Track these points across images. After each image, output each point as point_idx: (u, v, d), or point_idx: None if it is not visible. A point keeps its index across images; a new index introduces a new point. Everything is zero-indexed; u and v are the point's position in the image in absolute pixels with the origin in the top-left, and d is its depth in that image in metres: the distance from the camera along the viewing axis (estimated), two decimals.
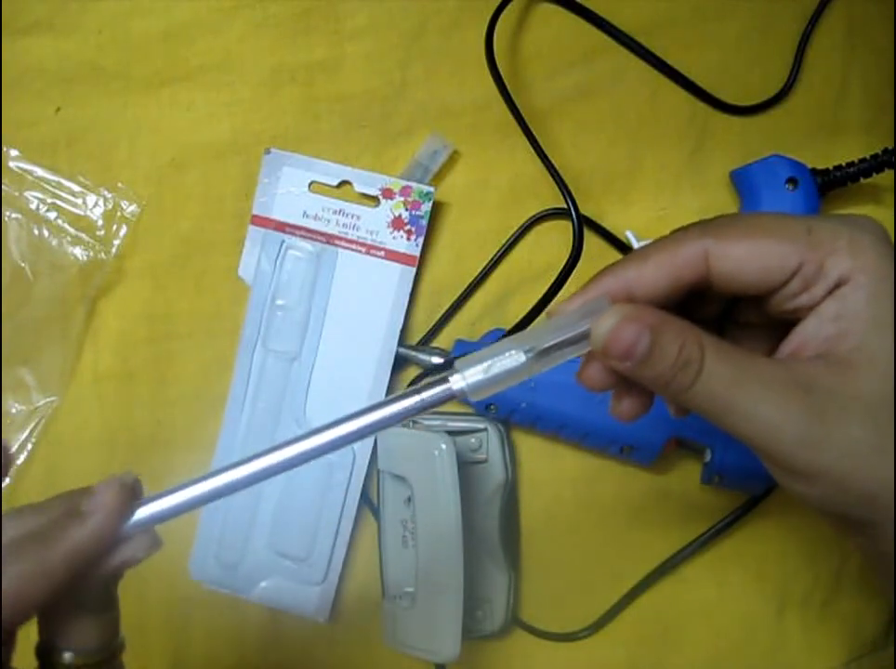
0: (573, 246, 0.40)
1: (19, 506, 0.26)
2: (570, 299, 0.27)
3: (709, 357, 0.25)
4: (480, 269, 0.46)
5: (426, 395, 0.26)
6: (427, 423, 0.44)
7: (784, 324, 0.27)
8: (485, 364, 0.25)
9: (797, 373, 0.25)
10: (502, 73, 0.44)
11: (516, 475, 0.45)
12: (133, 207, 0.46)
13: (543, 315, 0.27)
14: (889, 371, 0.24)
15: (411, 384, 0.45)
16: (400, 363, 0.45)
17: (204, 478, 0.27)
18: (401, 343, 0.45)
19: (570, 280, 0.40)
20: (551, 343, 0.25)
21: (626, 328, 0.25)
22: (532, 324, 0.40)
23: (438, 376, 0.26)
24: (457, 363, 0.26)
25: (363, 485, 0.45)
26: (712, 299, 0.30)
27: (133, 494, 0.27)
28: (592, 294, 0.26)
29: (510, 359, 0.25)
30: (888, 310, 0.25)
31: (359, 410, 0.26)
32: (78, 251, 0.46)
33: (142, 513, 0.26)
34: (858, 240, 0.25)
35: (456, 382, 0.25)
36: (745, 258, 0.25)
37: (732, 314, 0.30)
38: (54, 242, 0.46)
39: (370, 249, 0.45)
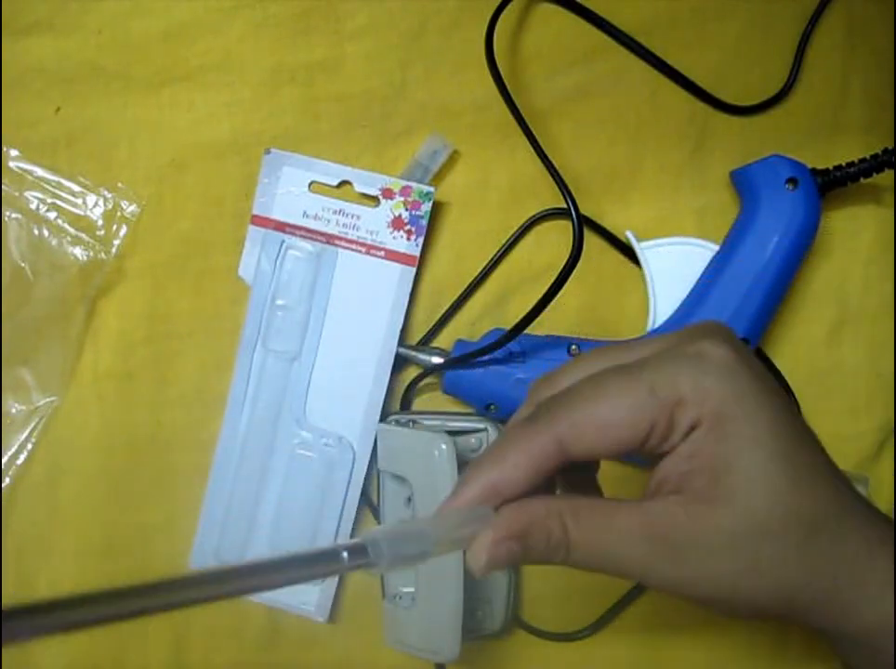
0: (573, 246, 0.40)
1: None
2: (448, 503, 0.27)
3: (572, 535, 0.26)
4: (480, 269, 0.46)
5: (346, 564, 0.24)
6: (427, 423, 0.44)
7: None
8: (401, 552, 0.25)
9: (654, 517, 0.26)
10: (502, 73, 0.44)
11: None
12: (133, 207, 0.46)
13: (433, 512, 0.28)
14: (747, 503, 0.25)
15: (411, 384, 0.45)
16: (400, 363, 0.45)
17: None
18: (401, 343, 0.45)
19: (570, 280, 0.40)
20: (444, 547, 0.26)
21: (500, 550, 0.26)
22: (530, 324, 0.40)
23: (352, 543, 0.24)
24: (371, 533, 0.25)
25: (363, 485, 0.45)
26: None
27: None
28: (467, 499, 0.27)
29: (420, 552, 0.25)
30: (737, 448, 0.25)
31: (266, 560, 0.23)
32: (78, 251, 0.46)
33: None
34: (701, 384, 0.26)
35: (374, 552, 0.24)
36: (599, 439, 0.26)
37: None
38: (54, 242, 0.46)
39: (370, 249, 0.45)
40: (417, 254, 0.44)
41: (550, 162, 0.43)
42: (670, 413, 0.26)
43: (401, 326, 0.44)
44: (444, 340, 0.46)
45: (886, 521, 0.28)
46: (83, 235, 0.46)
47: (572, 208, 0.41)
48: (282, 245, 0.45)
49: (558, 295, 0.40)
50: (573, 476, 0.30)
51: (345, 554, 0.23)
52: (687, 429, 0.26)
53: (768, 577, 0.26)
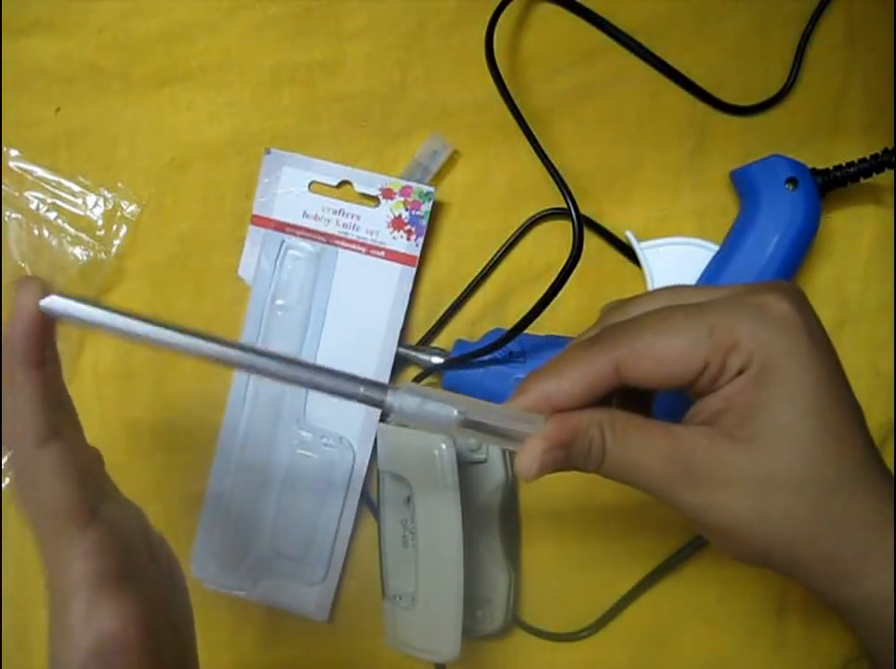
0: (573, 246, 0.40)
1: None
2: (510, 403, 0.29)
3: (609, 447, 0.28)
4: (480, 269, 0.46)
5: (362, 390, 0.27)
6: None
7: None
8: (423, 400, 0.27)
9: (680, 441, 0.27)
10: (502, 73, 0.44)
11: (516, 475, 0.45)
12: (133, 207, 0.46)
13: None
14: (770, 450, 0.26)
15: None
16: (400, 363, 0.45)
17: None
18: (401, 343, 0.45)
19: (570, 280, 0.40)
20: (483, 420, 0.28)
21: (548, 458, 0.28)
22: (530, 324, 0.41)
23: (381, 383, 0.27)
24: (405, 385, 0.27)
25: (363, 485, 0.45)
26: None
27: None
28: (523, 404, 0.28)
29: (445, 409, 0.27)
30: (775, 398, 0.26)
31: (304, 362, 0.27)
32: (78, 251, 0.46)
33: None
34: (758, 335, 0.27)
35: (393, 398, 0.27)
36: (654, 369, 0.27)
37: None
38: (54, 242, 0.46)
39: (370, 249, 0.45)
40: (417, 254, 0.44)
41: (550, 162, 0.43)
42: (724, 356, 0.27)
43: (401, 326, 0.44)
44: (444, 340, 0.46)
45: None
46: (83, 235, 0.46)
47: (572, 208, 0.41)
48: (282, 245, 0.45)
49: (558, 295, 0.40)
50: (630, 400, 0.31)
51: (362, 388, 0.27)
52: (735, 374, 0.27)
53: (773, 526, 0.27)
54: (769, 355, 0.26)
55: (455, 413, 0.27)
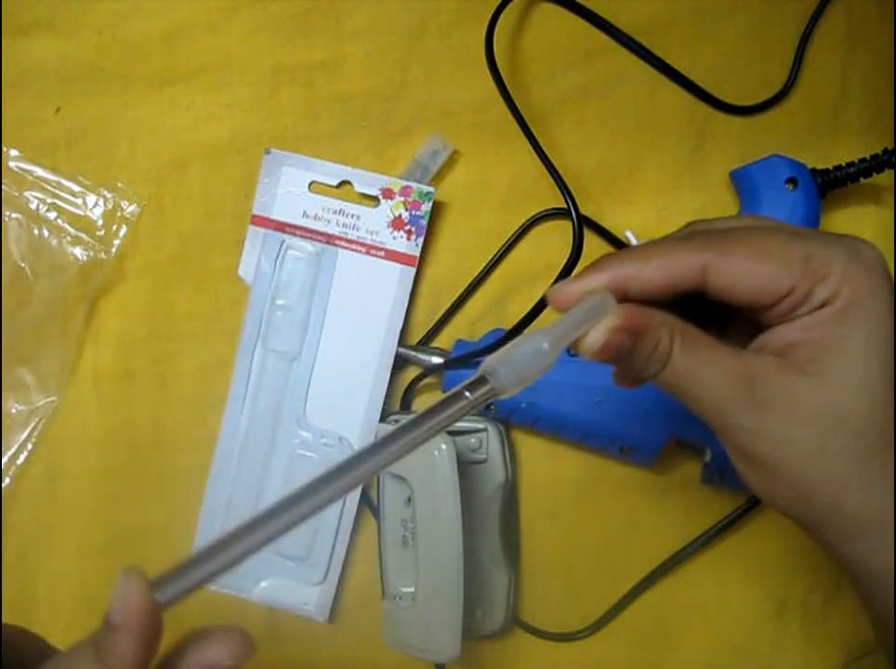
0: (572, 246, 0.40)
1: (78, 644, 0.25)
2: (571, 283, 0.28)
3: (675, 351, 0.27)
4: (480, 269, 0.46)
5: (471, 396, 0.25)
6: None
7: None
8: (514, 360, 0.26)
9: (750, 368, 0.27)
10: (502, 73, 0.44)
11: (516, 475, 0.45)
12: (133, 207, 0.46)
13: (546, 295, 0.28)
14: (838, 386, 0.26)
15: (410, 384, 0.45)
16: (400, 363, 0.45)
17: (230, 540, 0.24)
18: (401, 343, 0.45)
19: None
20: (566, 336, 0.27)
21: (616, 338, 0.27)
22: (530, 324, 0.40)
23: (472, 379, 0.26)
24: (488, 362, 0.26)
25: (363, 485, 0.45)
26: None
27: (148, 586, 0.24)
28: (593, 282, 0.27)
29: (537, 352, 0.26)
30: (852, 335, 0.26)
31: (400, 427, 0.25)
32: (78, 251, 0.46)
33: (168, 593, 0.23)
34: (850, 270, 0.26)
35: (494, 380, 0.26)
36: (742, 278, 0.27)
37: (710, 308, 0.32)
38: (54, 242, 0.46)
39: (370, 249, 0.45)
40: (417, 254, 0.44)
41: (550, 162, 0.43)
42: (812, 284, 0.26)
43: (401, 326, 0.44)
44: (444, 340, 0.46)
45: None
46: (83, 235, 0.46)
47: (572, 208, 0.41)
48: (282, 245, 0.45)
49: None
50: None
51: (467, 393, 0.25)
52: (818, 305, 0.26)
53: (828, 463, 0.26)
54: (857, 293, 0.26)
55: (545, 345, 0.26)
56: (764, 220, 0.30)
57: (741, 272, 0.27)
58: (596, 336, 0.27)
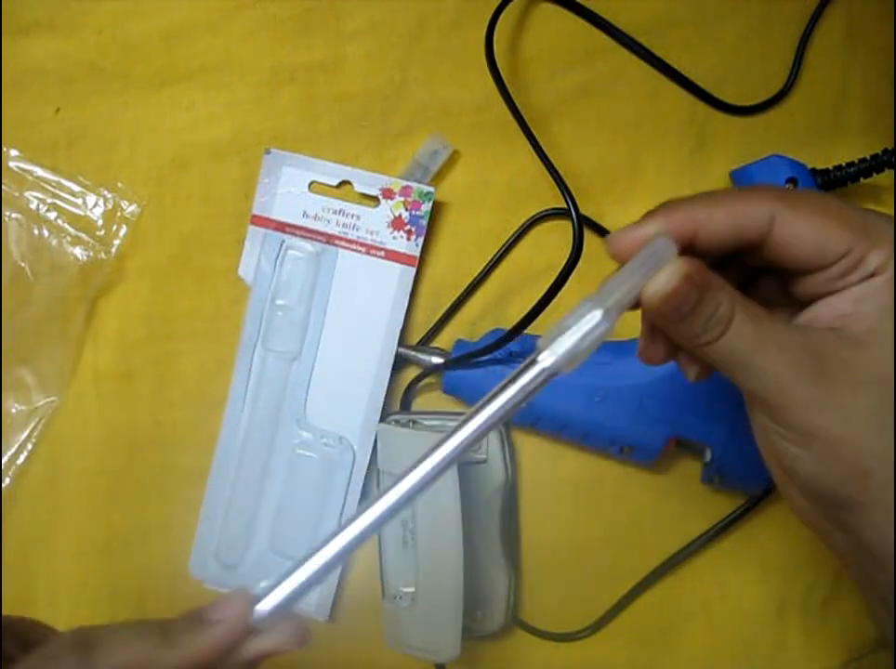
0: (572, 246, 0.40)
1: (144, 620, 0.26)
2: (634, 227, 0.27)
3: (737, 317, 0.26)
4: (480, 269, 0.46)
5: (524, 381, 0.25)
6: (427, 423, 0.44)
7: (804, 303, 0.29)
8: (570, 333, 0.25)
9: (812, 340, 0.27)
10: (502, 73, 0.44)
11: (516, 475, 0.45)
12: (133, 207, 0.46)
13: (606, 241, 0.27)
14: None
15: (410, 384, 0.45)
16: (400, 363, 0.45)
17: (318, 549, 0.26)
18: (401, 343, 0.45)
19: (570, 280, 0.40)
20: (624, 299, 0.26)
21: (683, 289, 0.26)
22: (530, 324, 0.40)
23: (528, 360, 0.25)
24: (541, 341, 0.25)
25: (363, 485, 0.45)
26: (739, 270, 0.31)
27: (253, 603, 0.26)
28: (658, 224, 0.27)
29: (587, 321, 0.25)
30: None
31: (463, 418, 0.25)
32: (78, 251, 0.46)
33: (264, 608, 0.26)
34: None
35: (546, 358, 0.25)
36: (807, 231, 0.27)
37: (751, 289, 0.31)
38: (54, 242, 0.46)
39: (370, 249, 0.45)
40: (417, 254, 0.44)
41: (550, 162, 0.43)
42: (868, 249, 0.26)
43: (401, 326, 0.44)
44: (444, 340, 0.46)
45: None
46: (83, 235, 0.46)
47: (572, 208, 0.41)
48: (282, 245, 0.45)
49: (558, 295, 0.40)
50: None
51: (523, 377, 0.25)
52: (870, 273, 0.26)
53: (889, 434, 0.26)
54: None
55: (599, 314, 0.25)
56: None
57: (806, 225, 0.27)
58: (663, 282, 0.26)
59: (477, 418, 0.25)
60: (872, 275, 0.27)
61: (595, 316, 0.25)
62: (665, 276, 0.26)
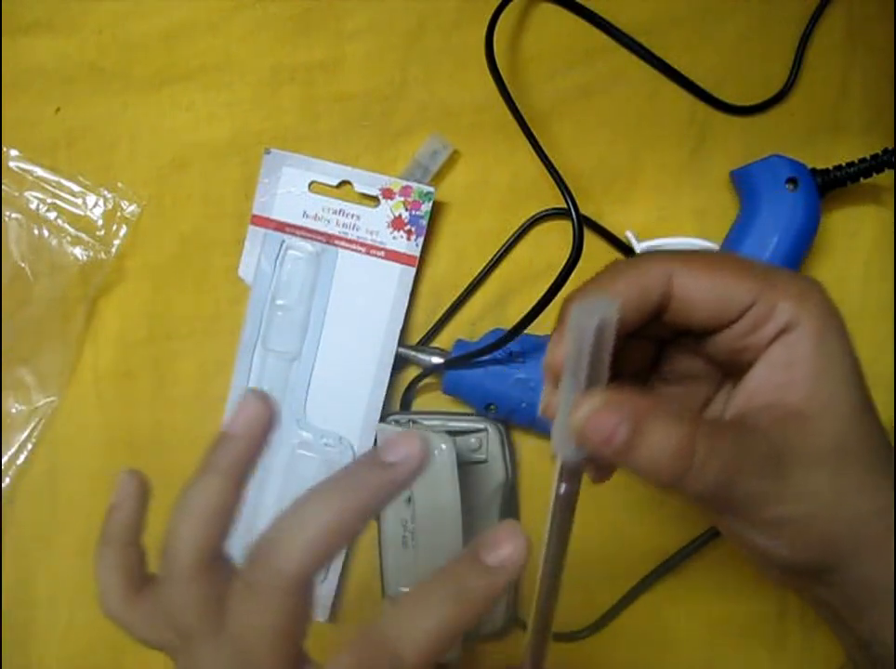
0: (572, 246, 0.40)
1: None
2: (554, 351, 0.27)
3: (701, 445, 0.25)
4: (480, 269, 0.46)
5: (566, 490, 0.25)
6: (427, 423, 0.44)
7: (724, 370, 0.28)
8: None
9: (756, 435, 0.25)
10: (502, 73, 0.44)
11: (516, 475, 0.45)
12: (133, 207, 0.46)
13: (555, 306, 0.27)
14: (843, 417, 0.25)
15: (410, 384, 0.45)
16: (400, 363, 0.45)
17: None
18: (401, 343, 0.45)
19: (570, 280, 0.40)
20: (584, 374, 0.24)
21: (605, 416, 0.24)
22: (530, 324, 0.40)
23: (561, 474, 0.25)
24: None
25: None
26: (649, 342, 0.30)
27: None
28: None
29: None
30: (835, 359, 0.26)
31: None
32: (78, 251, 0.46)
33: None
34: (808, 290, 0.26)
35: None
36: (706, 287, 0.26)
37: (666, 365, 0.31)
38: (54, 242, 0.46)
39: (370, 249, 0.45)
40: (417, 254, 0.44)
41: (550, 162, 0.43)
42: (774, 299, 0.26)
43: (401, 326, 0.44)
44: (444, 340, 0.46)
45: None
46: (83, 235, 0.46)
47: (572, 208, 0.41)
48: (282, 245, 0.45)
49: (558, 295, 0.40)
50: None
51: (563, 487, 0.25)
52: (782, 327, 0.26)
53: (852, 500, 0.25)
54: (821, 313, 0.26)
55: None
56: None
57: (705, 281, 0.26)
58: (583, 412, 0.24)
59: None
60: (785, 329, 0.26)
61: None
62: (584, 404, 0.24)
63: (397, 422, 0.44)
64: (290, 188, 0.45)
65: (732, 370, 0.29)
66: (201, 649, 0.25)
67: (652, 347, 0.30)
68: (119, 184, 0.46)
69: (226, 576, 0.25)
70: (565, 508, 0.25)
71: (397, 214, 0.44)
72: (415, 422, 0.44)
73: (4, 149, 0.46)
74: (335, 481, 0.24)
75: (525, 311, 0.40)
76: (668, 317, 0.27)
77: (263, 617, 0.24)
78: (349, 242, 0.45)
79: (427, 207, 0.44)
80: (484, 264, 0.46)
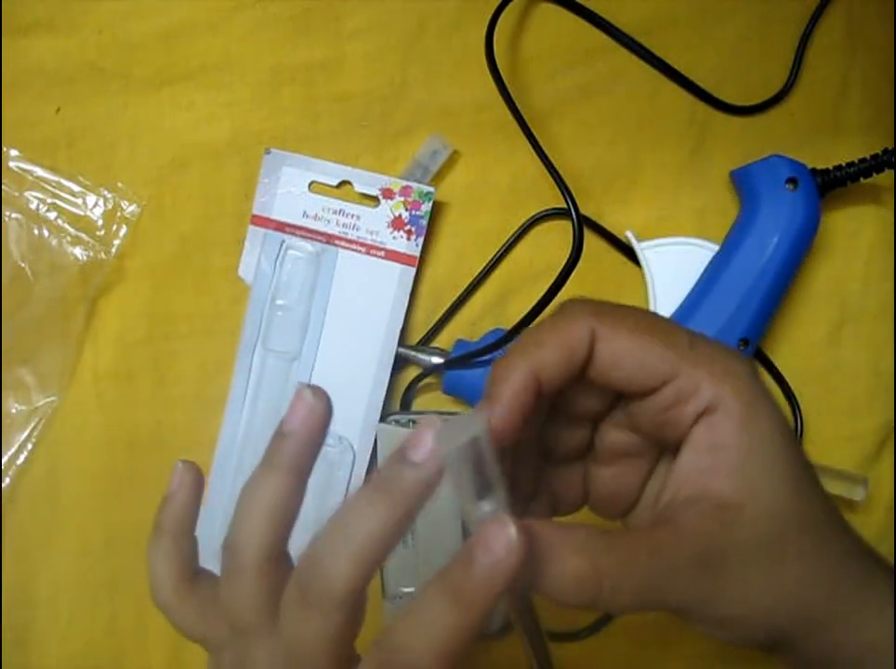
0: (572, 246, 0.40)
1: None
2: (489, 406, 0.25)
3: (607, 567, 0.24)
4: (480, 269, 0.46)
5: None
6: None
7: (656, 444, 0.28)
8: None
9: (684, 537, 0.24)
10: (502, 74, 0.44)
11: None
12: (133, 207, 0.46)
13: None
14: (772, 506, 0.24)
15: (410, 384, 0.45)
16: (400, 363, 0.45)
17: None
18: (401, 343, 0.45)
19: (570, 280, 0.40)
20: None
21: (511, 559, 0.22)
22: (530, 324, 0.40)
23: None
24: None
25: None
26: (581, 424, 0.29)
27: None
28: (509, 388, 0.25)
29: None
30: (763, 442, 0.25)
31: None
32: (78, 251, 0.46)
33: None
34: (733, 368, 0.25)
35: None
36: (628, 349, 0.25)
37: (601, 444, 0.30)
38: (54, 242, 0.46)
39: (370, 249, 0.45)
40: (417, 254, 0.44)
41: (550, 162, 0.43)
42: (698, 376, 0.25)
43: (401, 326, 0.44)
44: (444, 340, 0.46)
45: (871, 548, 0.27)
46: (83, 235, 0.46)
47: (572, 208, 0.41)
48: (282, 245, 0.45)
49: (558, 295, 0.40)
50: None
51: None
52: (704, 407, 0.25)
53: (787, 588, 0.25)
54: (746, 390, 0.25)
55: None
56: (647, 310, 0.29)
57: (627, 343, 0.25)
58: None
59: None
60: (708, 409, 0.25)
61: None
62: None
63: (397, 422, 0.44)
64: (290, 188, 0.45)
65: (664, 445, 0.28)
66: (255, 645, 0.25)
67: (586, 429, 0.30)
68: (119, 184, 0.46)
69: (286, 575, 0.25)
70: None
71: (397, 214, 0.44)
72: (415, 422, 0.44)
73: (4, 149, 0.46)
74: (373, 488, 0.24)
75: (525, 311, 0.40)
76: (592, 374, 0.26)
77: (318, 628, 0.24)
78: (349, 242, 0.45)
79: (427, 207, 0.44)
80: (484, 264, 0.46)
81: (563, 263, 0.40)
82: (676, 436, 0.26)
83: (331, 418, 0.27)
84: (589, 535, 0.24)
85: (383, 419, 0.45)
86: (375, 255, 0.45)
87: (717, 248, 0.45)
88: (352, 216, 0.45)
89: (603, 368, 0.26)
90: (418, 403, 0.46)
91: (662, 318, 0.27)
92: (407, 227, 0.44)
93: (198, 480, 0.29)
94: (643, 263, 0.45)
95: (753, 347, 0.44)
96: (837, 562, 0.25)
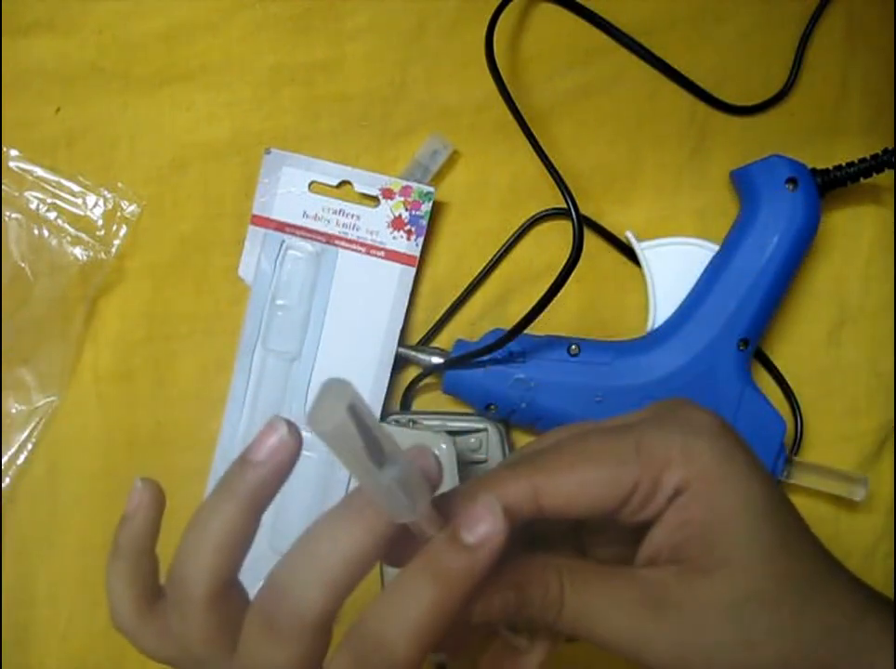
0: (572, 246, 0.40)
1: None
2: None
3: (568, 591, 0.25)
4: (480, 269, 0.46)
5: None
6: (427, 423, 0.44)
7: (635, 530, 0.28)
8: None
9: (651, 586, 0.25)
10: (502, 74, 0.44)
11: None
12: (133, 207, 0.46)
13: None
14: (743, 568, 0.24)
15: (410, 384, 0.45)
16: (400, 363, 0.45)
17: None
18: (401, 343, 0.45)
19: (570, 280, 0.40)
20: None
21: (495, 601, 0.25)
22: (530, 324, 0.40)
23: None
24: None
25: None
26: (560, 539, 0.30)
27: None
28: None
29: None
30: (733, 509, 0.25)
31: None
32: (78, 251, 0.46)
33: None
34: (691, 446, 0.25)
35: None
36: (575, 492, 0.25)
37: (588, 554, 0.30)
38: (54, 242, 0.46)
39: (370, 249, 0.45)
40: (417, 254, 0.44)
41: (550, 162, 0.43)
42: (656, 473, 0.25)
43: (401, 326, 0.44)
44: (444, 340, 0.46)
45: (865, 584, 0.27)
46: (83, 235, 0.46)
47: (572, 208, 0.41)
48: (282, 245, 0.45)
49: (558, 295, 0.40)
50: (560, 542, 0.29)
51: None
52: (672, 492, 0.25)
53: (764, 649, 0.24)
54: (708, 464, 0.25)
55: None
56: (585, 425, 0.28)
57: (573, 487, 0.25)
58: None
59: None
60: (676, 494, 0.25)
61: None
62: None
63: (397, 422, 0.44)
64: (290, 188, 0.45)
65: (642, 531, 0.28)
66: None
67: (569, 540, 0.30)
68: (119, 184, 0.46)
69: (238, 604, 0.25)
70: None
71: (397, 214, 0.44)
72: (415, 422, 0.44)
73: (4, 149, 0.46)
74: (344, 507, 0.24)
75: (525, 311, 0.40)
76: (549, 517, 0.26)
77: (287, 656, 0.23)
78: (349, 242, 0.45)
79: (427, 207, 0.44)
80: (484, 264, 0.46)
81: (563, 263, 0.40)
82: (651, 522, 0.26)
83: (298, 458, 0.25)
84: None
85: (383, 419, 0.45)
86: (375, 255, 0.45)
87: (717, 248, 0.45)
88: (352, 216, 0.45)
89: (559, 514, 0.25)
90: (418, 403, 0.46)
91: (598, 434, 0.26)
92: (407, 227, 0.44)
93: (157, 499, 0.28)
94: (643, 263, 0.45)
95: (753, 347, 0.44)
96: (826, 612, 0.25)
